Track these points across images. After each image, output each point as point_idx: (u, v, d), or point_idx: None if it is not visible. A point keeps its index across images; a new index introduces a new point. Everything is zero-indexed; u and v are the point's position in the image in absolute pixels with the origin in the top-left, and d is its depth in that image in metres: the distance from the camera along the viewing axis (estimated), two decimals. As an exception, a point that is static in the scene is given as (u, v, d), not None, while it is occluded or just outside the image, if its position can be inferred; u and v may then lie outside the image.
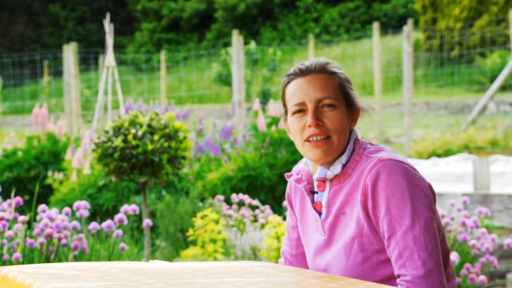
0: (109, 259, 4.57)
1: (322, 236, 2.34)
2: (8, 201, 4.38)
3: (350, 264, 2.26)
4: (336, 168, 2.29)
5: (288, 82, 2.35)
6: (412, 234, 2.16)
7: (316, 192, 2.36)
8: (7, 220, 4.17)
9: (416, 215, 2.17)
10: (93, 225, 4.46)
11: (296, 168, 2.42)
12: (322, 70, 2.32)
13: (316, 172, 2.33)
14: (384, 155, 2.24)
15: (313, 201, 2.36)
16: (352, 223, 2.25)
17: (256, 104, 8.88)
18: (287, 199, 2.52)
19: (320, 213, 2.34)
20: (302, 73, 2.33)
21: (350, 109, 2.34)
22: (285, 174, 2.45)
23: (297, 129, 2.31)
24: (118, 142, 5.43)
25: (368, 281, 2.23)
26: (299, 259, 2.53)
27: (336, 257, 2.29)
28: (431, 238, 2.17)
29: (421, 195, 2.19)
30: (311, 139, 2.28)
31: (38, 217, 4.38)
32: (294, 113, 2.32)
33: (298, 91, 2.31)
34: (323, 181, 2.33)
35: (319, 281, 2.09)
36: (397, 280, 2.18)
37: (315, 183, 2.35)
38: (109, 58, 9.01)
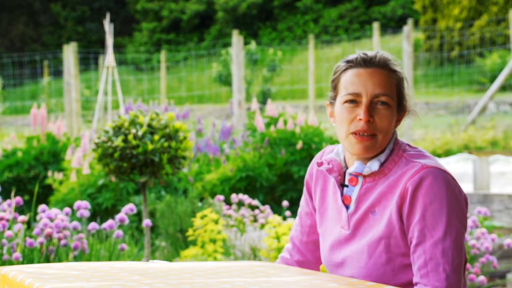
0: (109, 259, 4.57)
1: (344, 230, 2.30)
2: (8, 201, 4.38)
3: (372, 263, 2.24)
4: (374, 166, 2.25)
5: (347, 69, 2.29)
6: (442, 246, 2.14)
7: (346, 186, 2.32)
8: (7, 220, 4.17)
9: (449, 228, 2.15)
10: (93, 225, 4.46)
11: (326, 157, 2.37)
12: (384, 66, 2.28)
13: (352, 166, 2.29)
14: (428, 162, 2.20)
15: (342, 194, 2.32)
16: (382, 223, 2.23)
17: (254, 105, 8.88)
18: (306, 186, 2.47)
19: (347, 207, 2.31)
20: (365, 63, 2.27)
21: (399, 110, 2.30)
22: (315, 162, 2.40)
23: (346, 119, 2.26)
24: (118, 142, 5.43)
25: (387, 283, 2.21)
26: (309, 247, 2.50)
27: (357, 254, 2.27)
28: (459, 253, 2.15)
29: (458, 209, 2.17)
30: (358, 133, 2.24)
31: (38, 217, 4.39)
32: (346, 101, 2.27)
33: (357, 81, 2.26)
34: (356, 176, 2.29)
35: (319, 281, 2.09)
36: (415, 287, 2.17)
37: (347, 177, 2.32)
38: (109, 58, 9.01)
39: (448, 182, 2.18)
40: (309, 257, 2.51)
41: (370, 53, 2.30)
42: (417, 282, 2.16)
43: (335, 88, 2.32)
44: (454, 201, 2.17)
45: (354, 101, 2.25)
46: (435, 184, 2.16)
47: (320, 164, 2.36)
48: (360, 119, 2.23)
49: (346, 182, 2.32)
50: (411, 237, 2.18)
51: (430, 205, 2.15)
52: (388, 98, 2.25)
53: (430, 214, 2.15)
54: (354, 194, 2.30)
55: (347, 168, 2.34)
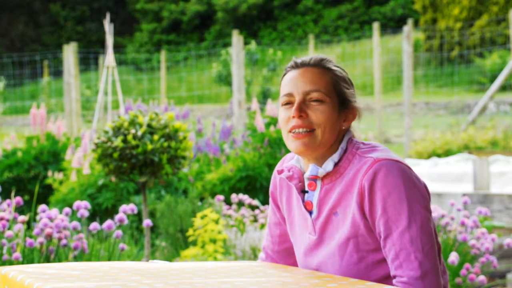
0: (109, 259, 4.57)
1: (312, 236, 2.32)
2: (8, 201, 4.38)
3: (345, 264, 2.25)
4: (328, 166, 2.27)
5: (284, 74, 2.35)
6: (409, 234, 2.15)
7: (307, 192, 2.33)
8: (7, 220, 4.17)
9: (412, 215, 2.15)
10: (94, 225, 4.46)
11: (287, 164, 2.39)
12: (316, 65, 2.31)
13: (307, 170, 2.31)
14: (379, 155, 2.21)
15: (303, 200, 2.34)
16: (346, 223, 2.23)
17: (254, 105, 8.87)
18: (271, 197, 2.49)
19: (310, 213, 2.32)
20: (297, 65, 2.32)
21: (343, 108, 2.31)
22: (276, 170, 2.41)
23: (283, 120, 2.29)
24: (117, 142, 5.43)
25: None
26: (281, 255, 2.52)
27: (329, 257, 2.28)
28: (428, 239, 2.16)
29: (418, 195, 2.18)
30: (294, 130, 2.26)
31: (38, 217, 4.38)
32: (282, 104, 2.31)
33: (289, 82, 2.30)
34: (314, 180, 2.31)
35: (319, 281, 2.09)
36: (393, 281, 2.18)
37: (306, 182, 2.33)
38: (109, 58, 9.01)
39: (402, 171, 2.18)
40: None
41: (306, 57, 2.34)
42: (394, 275, 2.18)
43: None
44: (412, 188, 2.17)
45: (288, 102, 2.30)
46: (390, 175, 2.17)
47: (280, 172, 2.38)
48: (293, 117, 2.26)
49: (306, 188, 2.33)
50: (379, 232, 2.19)
51: (388, 196, 2.16)
52: (320, 94, 2.27)
53: (391, 205, 2.16)
54: (314, 198, 2.31)
55: None
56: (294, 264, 2.52)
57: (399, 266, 2.16)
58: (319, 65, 2.31)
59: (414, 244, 2.14)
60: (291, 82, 2.30)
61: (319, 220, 2.29)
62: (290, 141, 2.28)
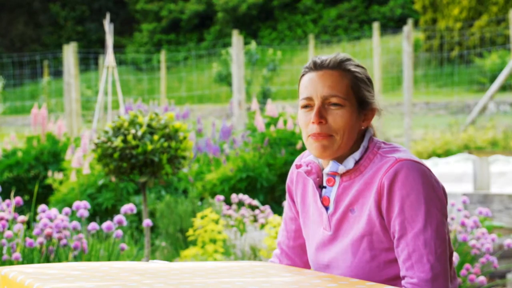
0: (109, 259, 4.57)
1: (326, 232, 2.32)
2: (8, 201, 4.38)
3: (357, 261, 2.25)
4: (349, 163, 2.27)
5: (303, 75, 2.34)
6: (424, 237, 2.15)
7: (325, 187, 2.34)
8: (7, 220, 4.17)
9: (429, 218, 2.16)
10: (93, 225, 4.46)
11: (305, 159, 2.39)
12: (336, 67, 2.29)
13: (327, 166, 2.31)
14: (401, 155, 2.22)
15: (320, 196, 2.34)
16: (362, 221, 2.24)
17: (254, 104, 8.87)
18: (287, 191, 2.50)
19: (326, 208, 2.32)
20: (316, 67, 2.31)
21: (363, 109, 2.31)
22: (295, 164, 2.42)
23: (303, 123, 2.30)
24: (117, 142, 5.42)
25: (374, 280, 2.23)
26: (296, 251, 2.52)
27: (342, 254, 2.28)
28: (441, 242, 2.17)
29: (436, 199, 2.19)
30: (313, 135, 2.27)
31: (38, 217, 4.38)
32: (302, 107, 2.31)
33: (308, 85, 2.30)
34: (333, 176, 2.31)
35: (320, 281, 2.09)
36: (402, 281, 2.18)
37: (325, 177, 2.33)
38: (109, 58, 9.00)
39: (423, 173, 2.19)
40: (297, 261, 2.53)
41: (324, 56, 2.33)
42: (404, 276, 2.18)
43: (299, 95, 2.37)
44: (431, 191, 2.18)
45: (308, 105, 2.30)
46: (410, 176, 2.18)
47: (298, 166, 2.39)
48: (313, 122, 2.27)
49: (324, 183, 2.34)
50: (393, 231, 2.20)
51: (407, 197, 2.17)
52: (339, 99, 2.26)
53: (409, 206, 2.17)
54: (332, 194, 2.32)
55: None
56: (308, 261, 2.52)
57: (410, 267, 2.16)
58: (338, 67, 2.29)
59: (428, 247, 2.15)
60: (310, 86, 2.29)
61: (335, 216, 2.30)
62: (309, 144, 2.29)
